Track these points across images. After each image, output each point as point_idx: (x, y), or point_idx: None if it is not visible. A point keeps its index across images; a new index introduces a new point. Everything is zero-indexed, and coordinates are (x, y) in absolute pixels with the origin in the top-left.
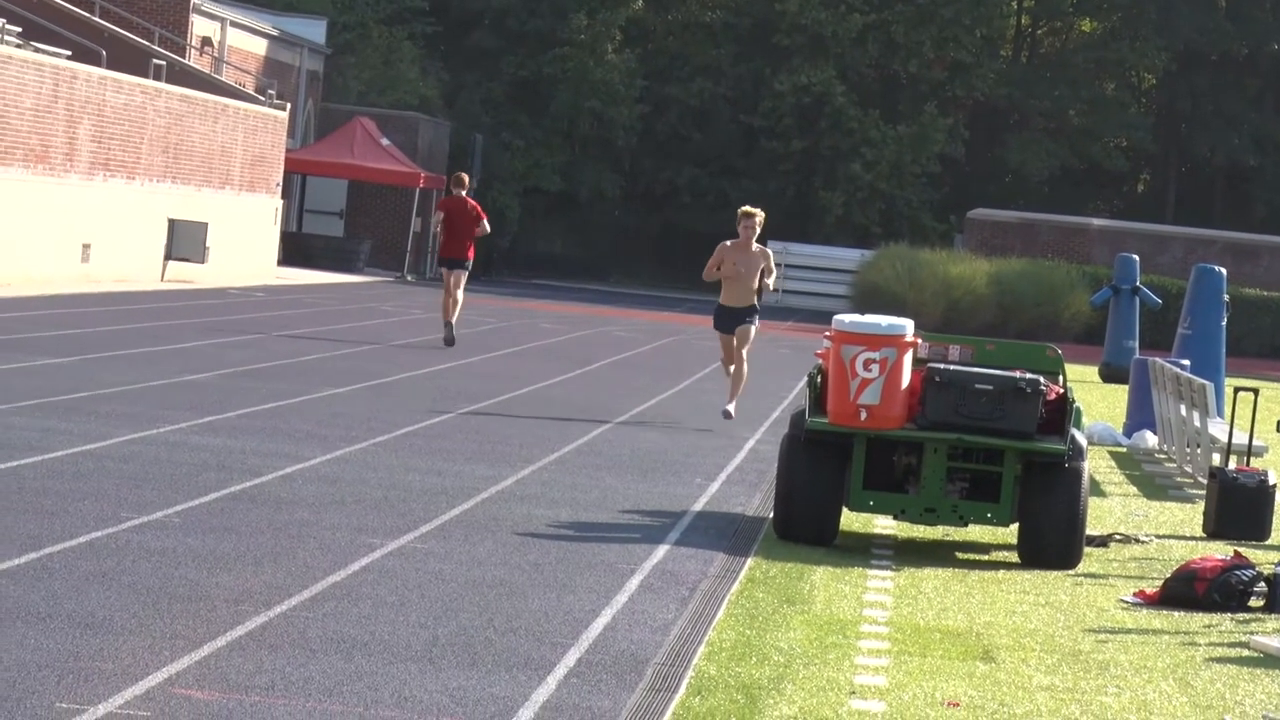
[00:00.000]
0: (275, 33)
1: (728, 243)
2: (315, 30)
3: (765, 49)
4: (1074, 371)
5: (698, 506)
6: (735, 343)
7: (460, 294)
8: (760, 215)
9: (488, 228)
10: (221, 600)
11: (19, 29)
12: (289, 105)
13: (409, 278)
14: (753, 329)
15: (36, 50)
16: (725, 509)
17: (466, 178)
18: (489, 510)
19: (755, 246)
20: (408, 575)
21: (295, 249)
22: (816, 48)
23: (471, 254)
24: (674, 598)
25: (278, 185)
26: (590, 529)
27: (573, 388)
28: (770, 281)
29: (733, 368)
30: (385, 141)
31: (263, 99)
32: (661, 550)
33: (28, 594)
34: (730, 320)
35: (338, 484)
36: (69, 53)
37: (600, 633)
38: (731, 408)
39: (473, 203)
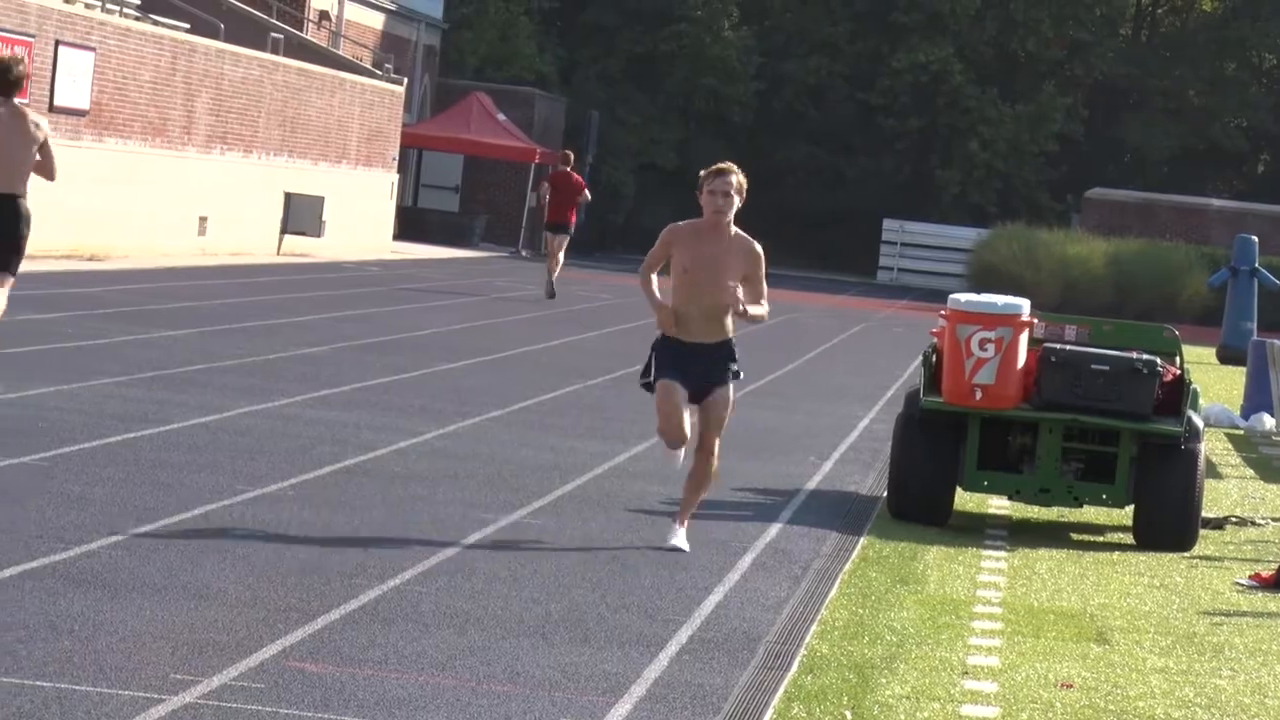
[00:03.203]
0: (392, 7)
1: (682, 224)
2: (433, 4)
3: (883, 27)
4: (1191, 353)
5: (811, 485)
6: (701, 421)
7: (561, 255)
8: (739, 176)
9: (589, 196)
10: (335, 573)
11: (138, 2)
12: (406, 80)
13: (524, 253)
14: (731, 393)
15: (155, 23)
16: (839, 488)
17: (572, 155)
18: (602, 486)
19: (734, 232)
20: (520, 550)
21: (411, 223)
22: (934, 25)
23: (573, 220)
24: (787, 576)
25: (394, 160)
26: (703, 506)
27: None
28: (759, 310)
29: (685, 456)
30: (501, 117)
31: (380, 73)
32: (774, 528)
33: (143, 565)
34: (689, 366)
35: (451, 458)
36: (188, 26)
37: (712, 610)
38: (681, 537)
39: (577, 176)
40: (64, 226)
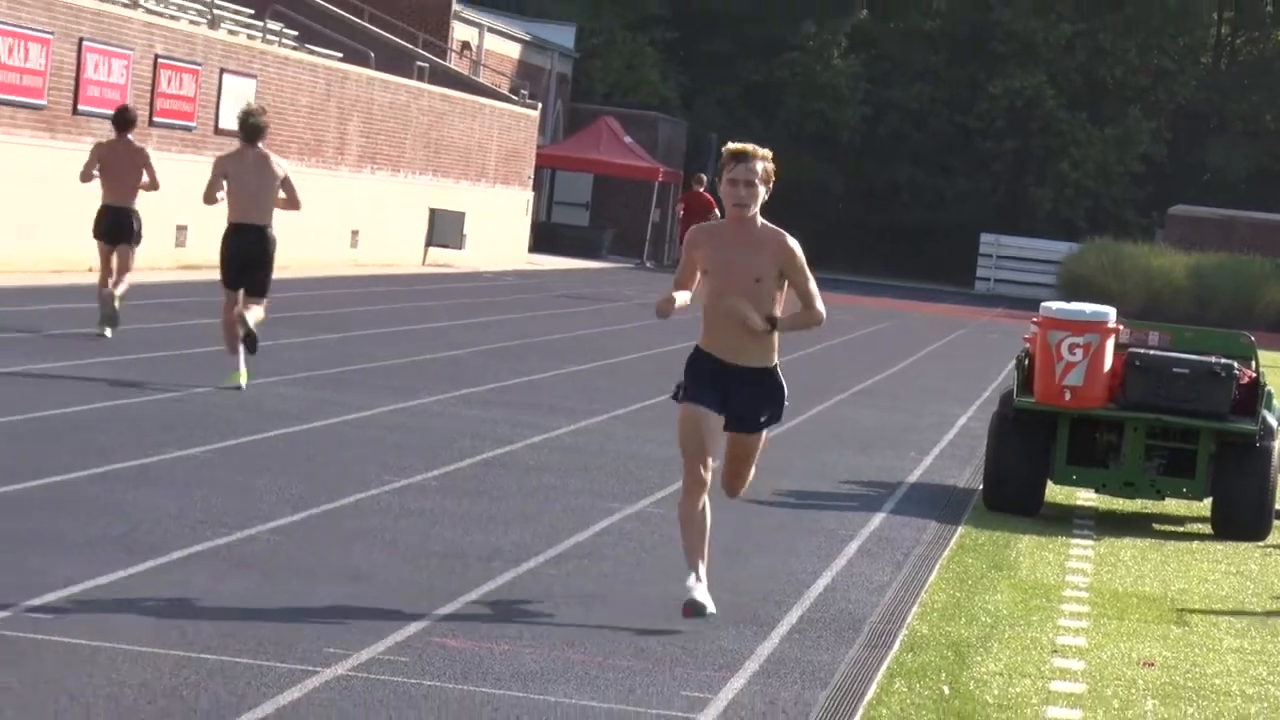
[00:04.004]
0: (528, 38)
1: (706, 224)
2: (565, 35)
3: (980, 55)
4: (1267, 358)
5: (912, 478)
6: (729, 460)
7: None
8: (765, 162)
9: (719, 214)
10: (474, 557)
11: (296, 33)
12: (540, 105)
13: (648, 264)
14: (764, 435)
15: (312, 53)
16: (938, 481)
17: (705, 178)
18: (719, 479)
19: (760, 224)
20: (644, 537)
21: (544, 237)
22: (1028, 54)
23: None
24: (889, 562)
25: (529, 178)
26: (812, 497)
27: (798, 366)
28: (793, 318)
29: (702, 504)
30: (628, 139)
31: (516, 99)
32: (878, 518)
33: (299, 549)
34: (727, 394)
35: (580, 452)
36: (340, 55)
37: (820, 593)
38: (701, 590)
39: (708, 196)
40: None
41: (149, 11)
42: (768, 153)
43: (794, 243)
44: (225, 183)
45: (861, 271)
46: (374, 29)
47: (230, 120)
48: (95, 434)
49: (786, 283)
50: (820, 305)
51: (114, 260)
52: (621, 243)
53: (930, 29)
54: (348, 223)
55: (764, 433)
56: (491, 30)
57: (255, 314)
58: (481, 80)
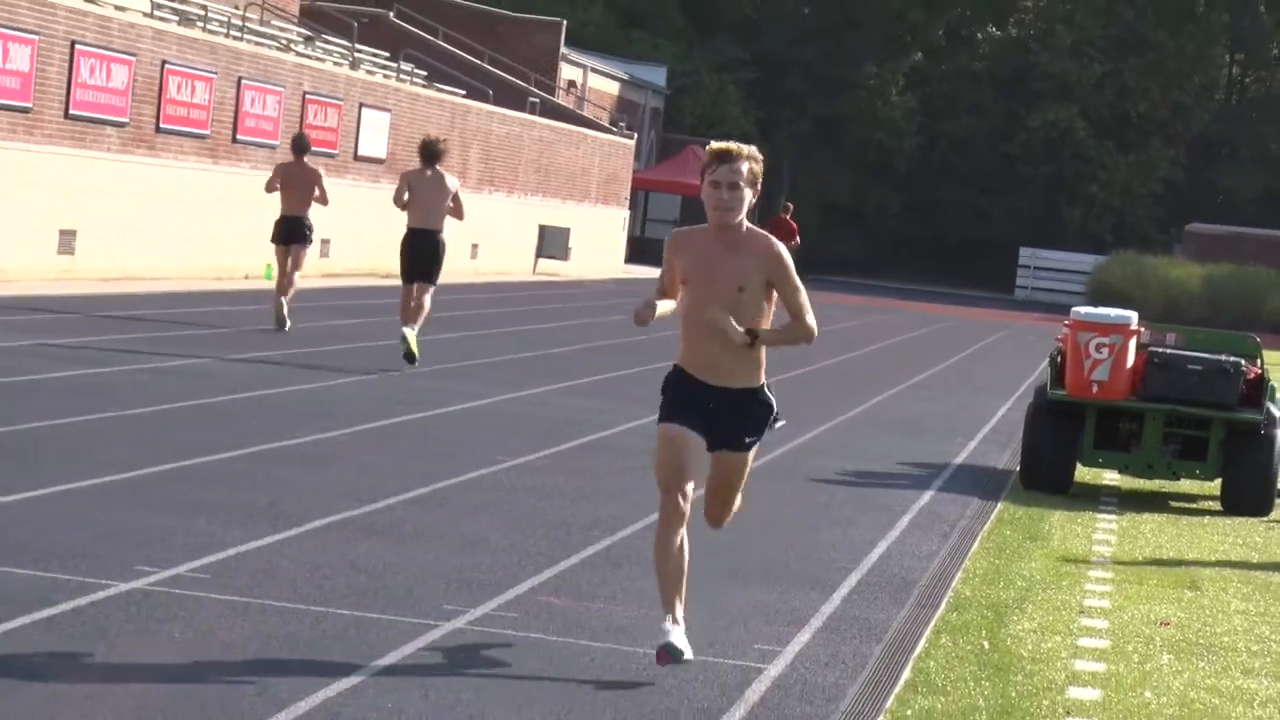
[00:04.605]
0: (626, 77)
1: (686, 228)
2: (658, 75)
3: (1020, 92)
4: (1271, 356)
5: (958, 460)
6: (713, 485)
7: None
8: (751, 162)
9: (798, 241)
10: (577, 526)
11: (425, 74)
12: (636, 135)
13: None
14: (750, 456)
15: (438, 90)
16: (980, 463)
17: (791, 205)
18: (788, 461)
19: (745, 229)
20: None
21: (638, 249)
22: (1063, 92)
23: (793, 245)
24: (937, 533)
25: (625, 199)
26: (870, 477)
27: (859, 363)
28: (777, 333)
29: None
30: None
31: (615, 130)
32: (927, 495)
33: (425, 519)
34: (709, 415)
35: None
36: (463, 92)
37: (876, 560)
38: (678, 633)
39: (792, 222)
40: (370, 250)
41: (299, 54)
42: (755, 152)
43: (782, 249)
44: (408, 195)
45: (914, 280)
46: (492, 69)
47: (369, 148)
48: (250, 418)
49: (775, 295)
50: (811, 319)
51: (288, 261)
52: None
53: (977, 69)
54: (469, 237)
55: (750, 454)
56: (594, 70)
57: (423, 303)
58: (585, 114)
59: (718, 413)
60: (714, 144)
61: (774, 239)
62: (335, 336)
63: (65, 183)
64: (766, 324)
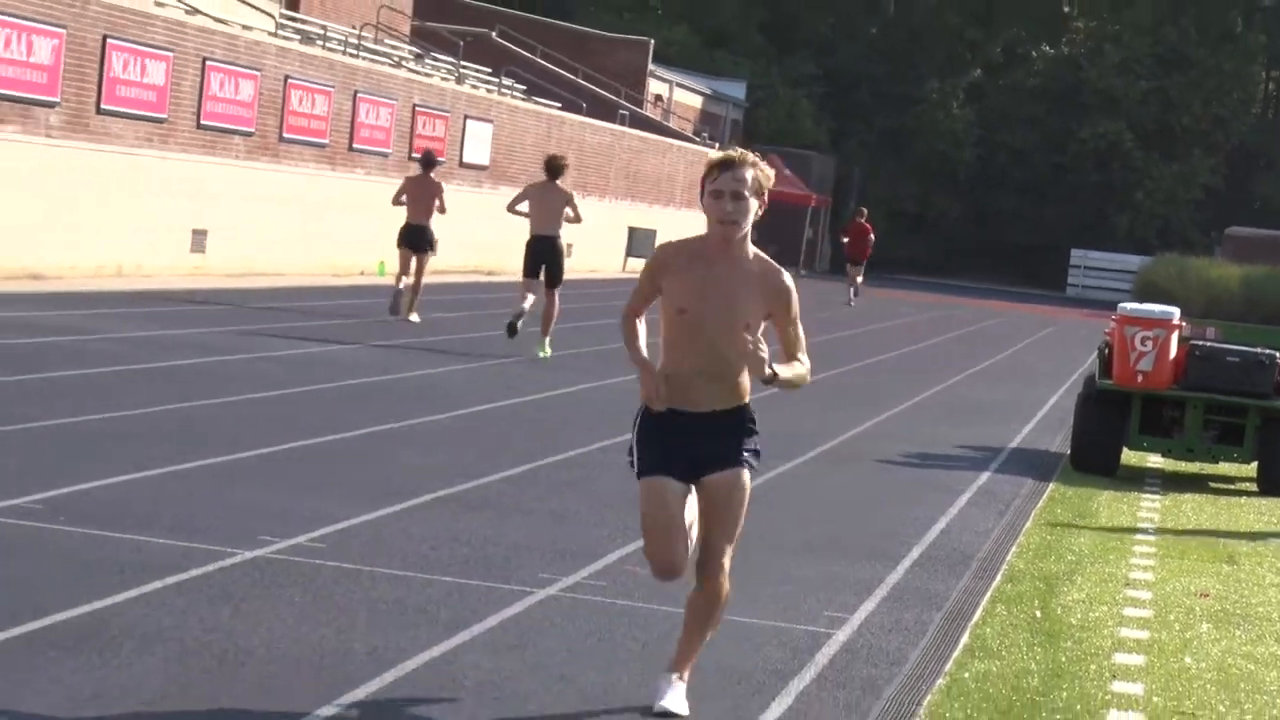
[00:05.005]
0: (708, 91)
1: (676, 242)
2: (738, 90)
3: (1072, 107)
4: None
5: (1013, 444)
6: (704, 523)
7: (860, 278)
8: (757, 170)
9: (872, 240)
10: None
11: (524, 88)
12: (717, 144)
13: (802, 272)
14: (746, 480)
15: (536, 103)
16: (1034, 446)
17: (866, 210)
18: (856, 444)
19: (752, 254)
20: (797, 490)
21: None
22: (1111, 106)
23: (866, 254)
24: (993, 511)
25: None
26: (931, 459)
27: (921, 355)
28: (793, 373)
29: (697, 584)
30: (787, 172)
31: (698, 139)
32: (985, 476)
33: (521, 494)
34: (686, 447)
35: None
36: (559, 105)
37: (937, 535)
38: (677, 695)
39: (869, 226)
40: (472, 250)
41: (410, 70)
42: (760, 160)
43: (789, 282)
44: (527, 204)
45: (973, 279)
46: (586, 84)
47: (473, 156)
48: (365, 402)
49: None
50: (807, 361)
51: (413, 264)
52: (781, 255)
53: (1031, 85)
54: (566, 237)
55: (746, 473)
56: (679, 85)
57: (552, 305)
58: (670, 125)
59: (705, 437)
60: (714, 153)
61: (784, 272)
62: (444, 328)
63: (197, 187)
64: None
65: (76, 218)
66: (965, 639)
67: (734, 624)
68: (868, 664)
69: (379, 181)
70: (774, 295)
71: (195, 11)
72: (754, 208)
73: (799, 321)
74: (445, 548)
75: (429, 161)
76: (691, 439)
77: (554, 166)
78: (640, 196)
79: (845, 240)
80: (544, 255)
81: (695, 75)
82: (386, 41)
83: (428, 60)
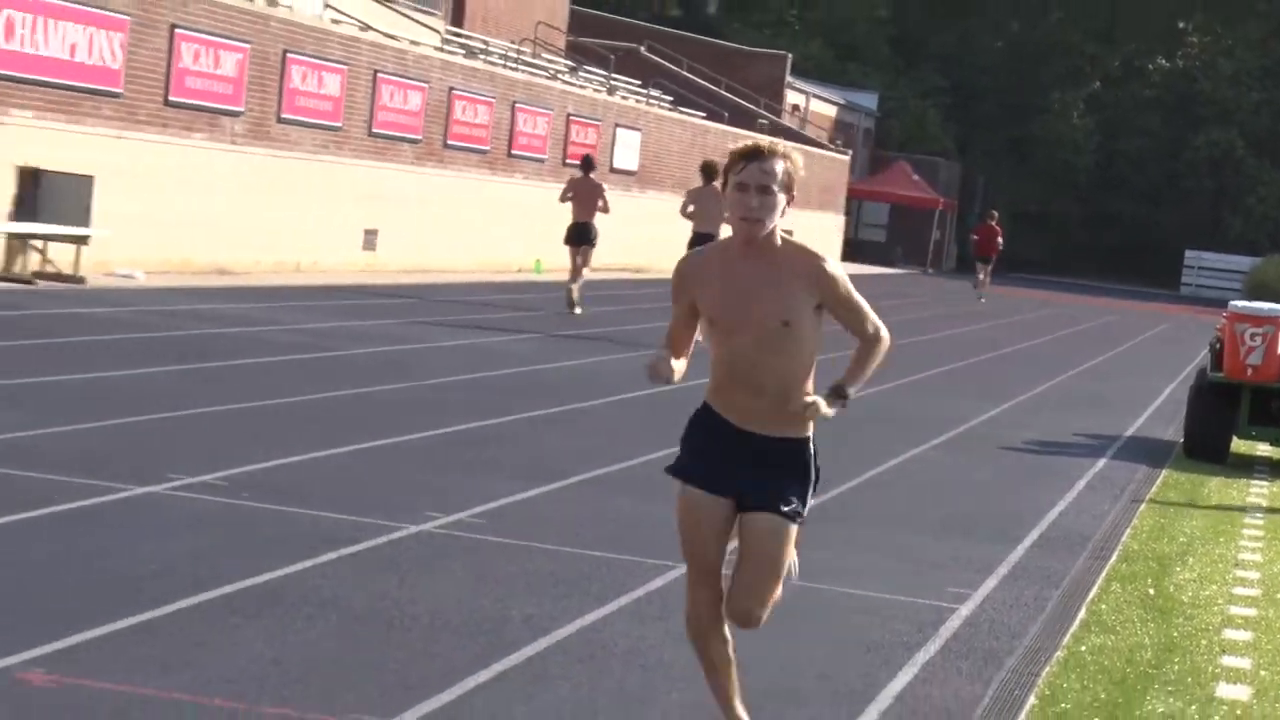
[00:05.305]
0: (842, 102)
1: (698, 251)
2: (870, 100)
3: (1187, 116)
4: None
5: (1129, 432)
6: (743, 562)
7: (988, 275)
8: (785, 161)
9: (1001, 243)
10: None
11: (670, 98)
12: (850, 151)
13: (929, 271)
14: (790, 530)
15: (682, 112)
16: (1149, 435)
17: (996, 213)
18: (981, 432)
19: (778, 243)
20: (925, 473)
21: (853, 249)
22: (1224, 116)
23: (994, 255)
24: (1109, 495)
25: (842, 206)
26: (1051, 446)
27: (1043, 349)
28: (861, 374)
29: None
30: (915, 177)
31: (832, 147)
32: (1101, 462)
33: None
34: (735, 464)
35: (877, 408)
36: (703, 114)
37: (1056, 517)
38: None
39: (998, 227)
40: (621, 250)
41: (565, 82)
42: (790, 150)
43: (834, 265)
44: (692, 206)
45: (1091, 278)
46: (728, 95)
47: (622, 162)
48: (525, 388)
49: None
50: (882, 329)
51: (578, 258)
52: (909, 255)
53: (1148, 96)
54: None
55: (793, 528)
56: (815, 96)
57: None
58: (806, 134)
59: (752, 464)
60: (743, 145)
61: (820, 254)
62: (602, 321)
63: (368, 190)
64: (816, 353)
65: (259, 218)
66: (1082, 615)
67: (866, 598)
68: (990, 637)
69: (536, 186)
70: (817, 283)
71: (368, 28)
72: (781, 204)
73: (854, 297)
74: (590, 526)
75: (588, 164)
76: (736, 456)
77: (710, 170)
78: None
79: (975, 239)
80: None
81: (830, 86)
82: (544, 56)
83: (581, 73)
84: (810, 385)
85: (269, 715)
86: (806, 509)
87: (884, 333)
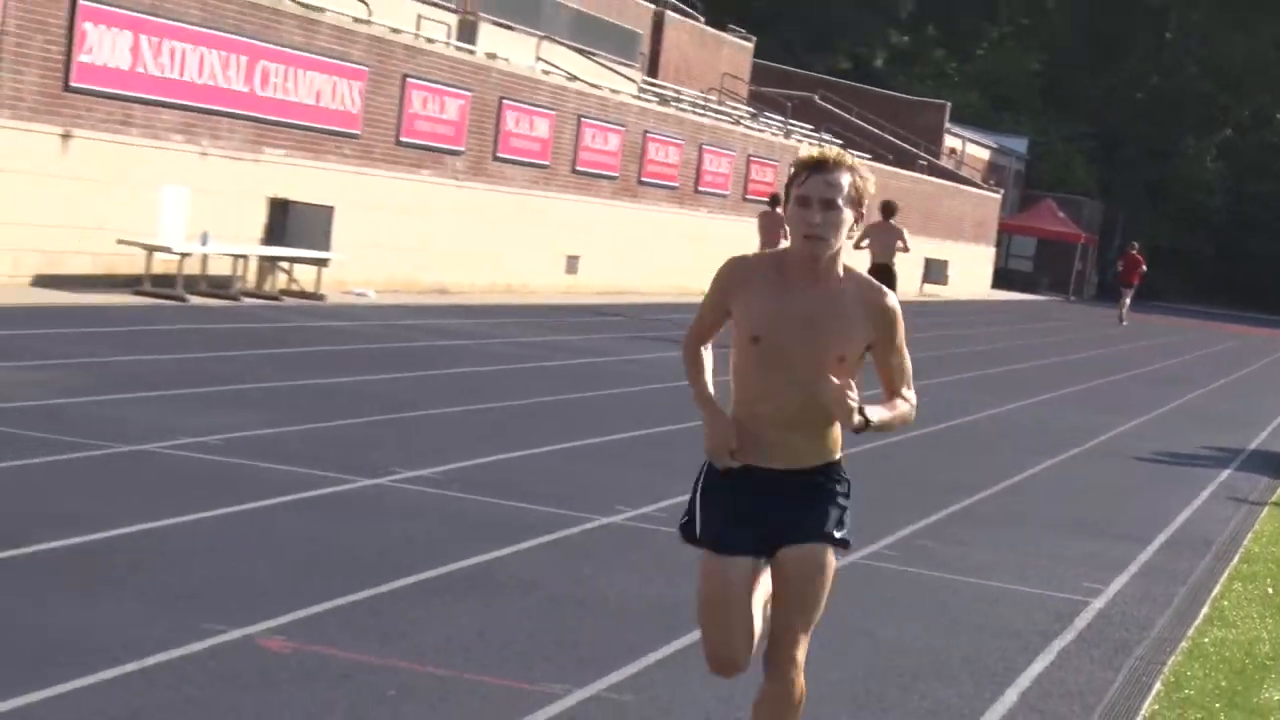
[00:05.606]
0: (995, 146)
1: (752, 256)
2: (1020, 145)
3: None
4: None
5: (1252, 446)
6: (775, 607)
7: (1128, 302)
8: (855, 174)
9: (1143, 269)
10: (939, 489)
11: (840, 142)
12: (1002, 191)
13: (1071, 298)
14: (830, 559)
15: (847, 152)
16: (1271, 449)
17: (1138, 244)
18: (1116, 444)
19: (841, 272)
20: (1064, 479)
21: (1002, 278)
22: None
23: (1135, 283)
24: (1232, 502)
25: (993, 239)
26: (1180, 457)
27: (1175, 369)
28: (889, 414)
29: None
30: (1060, 214)
31: (985, 186)
32: (1226, 472)
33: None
34: (761, 511)
35: (1010, 424)
36: (869, 156)
37: (1182, 522)
38: None
39: (1140, 257)
40: None
41: (746, 127)
42: (859, 162)
43: (894, 304)
44: (868, 240)
45: (1222, 307)
46: (892, 139)
47: None
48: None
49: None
50: (913, 395)
51: None
52: (1054, 284)
53: (1275, 143)
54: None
55: (831, 556)
56: (970, 141)
57: None
58: (962, 174)
59: (782, 500)
60: (807, 154)
61: (887, 292)
62: None
63: (571, 221)
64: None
65: (475, 244)
66: (1205, 610)
67: (1008, 590)
68: (1120, 628)
69: (719, 218)
70: (877, 321)
71: (574, 78)
72: (849, 220)
73: (904, 349)
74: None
75: (889, 209)
76: (765, 502)
77: (889, 208)
78: (935, 233)
79: (1120, 267)
80: (881, 280)
81: (984, 132)
82: (728, 103)
83: (761, 119)
84: (838, 427)
85: (473, 682)
86: (848, 532)
87: (914, 400)
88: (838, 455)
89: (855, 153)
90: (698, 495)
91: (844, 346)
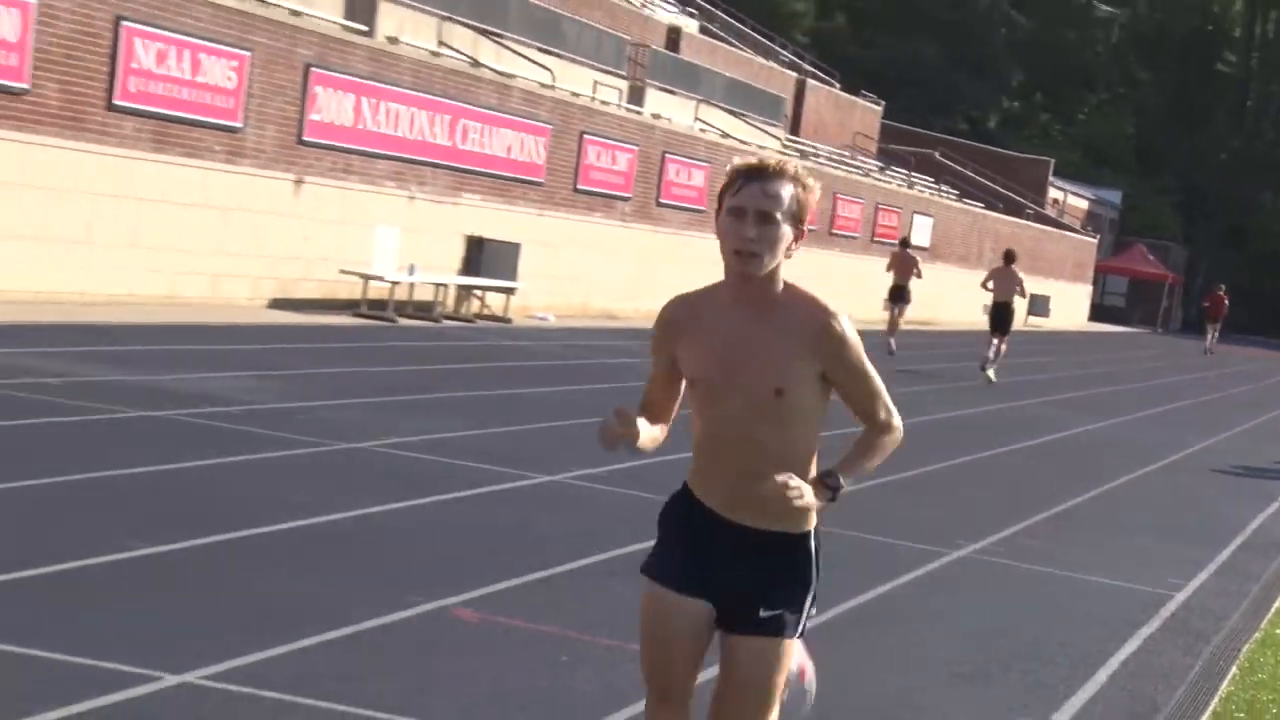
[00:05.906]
0: (1093, 197)
1: (687, 294)
2: (1115, 196)
3: None
4: None
5: None
6: (722, 685)
7: (1216, 334)
8: (794, 184)
9: (1227, 306)
10: (1041, 494)
11: (956, 192)
12: (1098, 236)
13: (1159, 331)
14: (784, 648)
15: (965, 203)
16: None
17: (1225, 286)
18: (1197, 459)
19: (780, 289)
20: (1151, 488)
21: (1098, 312)
22: None
23: (1222, 315)
24: None
25: (1090, 279)
26: (1255, 471)
27: (1253, 393)
28: (860, 467)
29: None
30: (1150, 257)
31: (1084, 232)
32: None
33: (938, 482)
34: (717, 563)
35: (1104, 439)
36: (982, 205)
37: (1257, 527)
38: None
39: (1224, 296)
40: (922, 307)
41: (874, 178)
42: (803, 173)
43: (844, 322)
44: (991, 282)
45: None
46: (1002, 190)
47: (918, 240)
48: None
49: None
50: (893, 414)
51: (999, 343)
52: (1144, 318)
53: None
54: (981, 300)
55: (786, 646)
56: (1071, 193)
57: (1003, 345)
58: (1064, 221)
59: (736, 564)
60: (742, 163)
61: (829, 307)
62: (942, 376)
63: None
64: (817, 431)
65: (639, 277)
66: (1277, 604)
67: (1100, 584)
68: (1200, 619)
69: (851, 257)
70: (821, 344)
71: (727, 135)
72: (787, 237)
73: (866, 367)
74: (879, 519)
75: (1010, 256)
76: (716, 554)
77: (1009, 255)
78: (1039, 272)
79: (1206, 305)
80: (1002, 315)
81: (1084, 185)
82: (859, 158)
83: (887, 171)
84: (813, 469)
85: (635, 652)
86: (805, 622)
87: (896, 420)
88: (807, 526)
89: (970, 202)
90: (660, 525)
91: (780, 378)
